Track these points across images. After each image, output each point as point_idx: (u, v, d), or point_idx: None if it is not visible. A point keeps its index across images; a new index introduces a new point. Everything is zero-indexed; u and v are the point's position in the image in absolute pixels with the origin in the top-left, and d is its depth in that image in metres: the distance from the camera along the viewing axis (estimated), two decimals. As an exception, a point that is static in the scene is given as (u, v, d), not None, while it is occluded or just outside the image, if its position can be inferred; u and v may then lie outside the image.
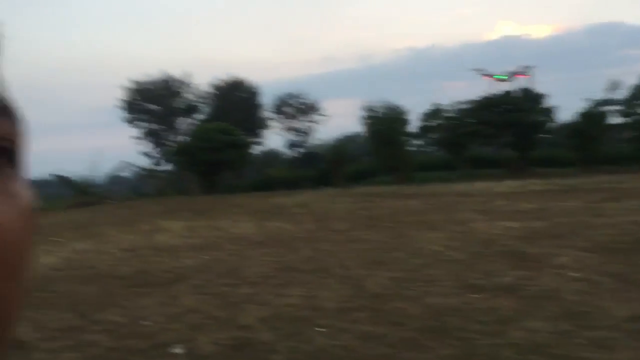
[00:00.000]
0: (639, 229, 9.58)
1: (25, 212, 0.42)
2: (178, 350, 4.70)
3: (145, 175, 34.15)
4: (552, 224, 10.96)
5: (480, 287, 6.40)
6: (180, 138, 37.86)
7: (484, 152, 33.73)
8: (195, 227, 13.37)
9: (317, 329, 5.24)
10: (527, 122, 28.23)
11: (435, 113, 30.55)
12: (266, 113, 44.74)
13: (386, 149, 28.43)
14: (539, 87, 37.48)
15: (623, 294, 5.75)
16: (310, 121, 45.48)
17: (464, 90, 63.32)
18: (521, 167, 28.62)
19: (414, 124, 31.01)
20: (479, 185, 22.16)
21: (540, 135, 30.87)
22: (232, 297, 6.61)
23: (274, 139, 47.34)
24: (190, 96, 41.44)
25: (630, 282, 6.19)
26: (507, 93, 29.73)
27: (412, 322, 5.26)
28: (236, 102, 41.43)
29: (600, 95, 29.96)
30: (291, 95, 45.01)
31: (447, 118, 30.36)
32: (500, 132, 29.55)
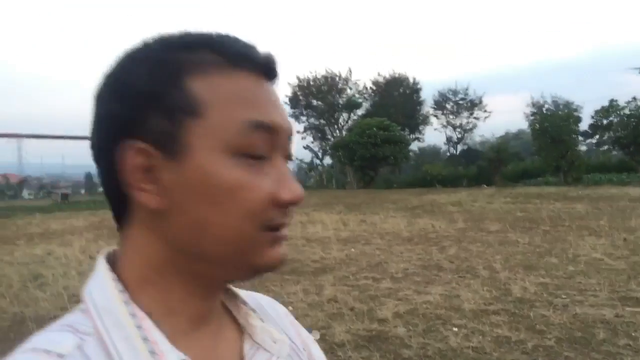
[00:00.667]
0: None
1: None
2: (313, 335, 4.97)
3: (306, 169, 35.63)
4: None
5: (638, 300, 5.89)
6: (340, 133, 38.94)
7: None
8: (347, 220, 13.77)
9: (452, 328, 5.22)
10: None
11: (610, 110, 28.08)
12: (427, 109, 44.42)
13: (553, 147, 26.75)
14: None
15: None
16: (472, 117, 44.26)
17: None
18: None
19: (586, 121, 28.89)
20: (659, 190, 20.04)
21: None
22: (373, 291, 6.77)
23: (434, 135, 46.76)
24: (351, 92, 42.43)
25: None
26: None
27: (554, 330, 5.02)
28: (396, 98, 41.60)
29: None
30: (453, 91, 44.14)
31: (625, 115, 27.75)
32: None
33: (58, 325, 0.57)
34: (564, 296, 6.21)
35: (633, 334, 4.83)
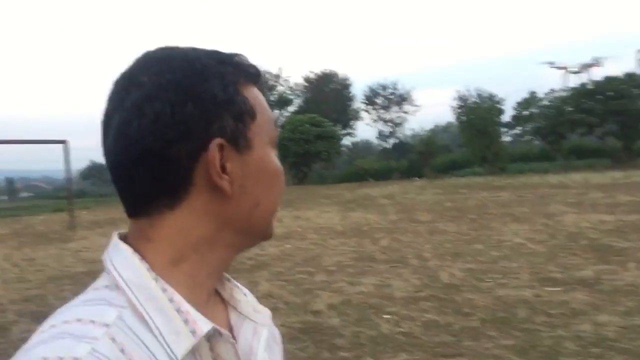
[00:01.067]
0: None
1: None
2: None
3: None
4: (648, 218, 10.39)
5: (556, 281, 6.28)
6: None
7: (585, 141, 32.13)
8: (281, 216, 13.82)
9: (384, 316, 5.40)
10: (632, 110, 26.52)
11: (530, 101, 29.42)
12: (358, 104, 45.03)
13: (478, 139, 27.76)
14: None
15: None
16: (402, 112, 45.23)
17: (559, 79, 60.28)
18: (625, 158, 27.00)
19: (509, 113, 30.14)
20: (576, 177, 21.18)
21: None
22: (308, 284, 6.89)
23: (366, 130, 47.47)
24: (282, 89, 42.47)
25: None
26: (610, 79, 28.05)
27: (479, 312, 5.29)
28: (327, 94, 41.97)
29: None
30: (382, 86, 44.95)
31: (544, 107, 29.15)
32: (602, 120, 28.00)
33: (90, 301, 0.64)
34: (488, 280, 6.53)
35: (550, 312, 5.16)
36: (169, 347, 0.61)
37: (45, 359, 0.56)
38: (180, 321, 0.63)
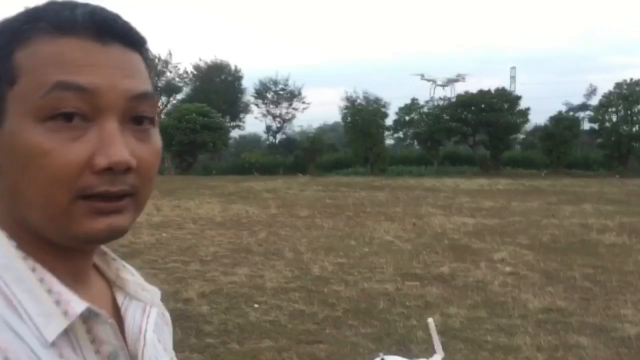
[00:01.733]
0: (582, 231, 10.03)
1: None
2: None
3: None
4: (505, 222, 11.38)
5: (416, 276, 6.76)
6: (158, 117, 37.78)
7: (459, 149, 34.33)
8: (161, 205, 13.56)
9: (254, 305, 5.55)
10: (501, 123, 28.72)
11: (412, 107, 30.93)
12: (247, 97, 44.89)
13: (362, 140, 28.75)
14: (519, 89, 38.91)
15: (544, 288, 6.14)
16: (291, 108, 45.67)
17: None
18: (493, 166, 29.18)
19: (392, 117, 31.48)
20: (448, 182, 22.62)
21: (514, 136, 31.50)
22: (181, 273, 6.89)
23: (255, 123, 47.37)
24: (170, 75, 41.38)
25: (555, 278, 6.60)
26: (483, 93, 30.18)
27: (343, 303, 5.59)
28: (217, 85, 41.46)
29: (579, 100, 30.93)
30: (274, 81, 45.13)
31: (424, 114, 30.77)
32: (474, 130, 30.06)
33: None
34: (356, 274, 6.89)
35: (407, 304, 5.58)
36: (37, 330, 0.56)
37: None
38: (52, 302, 0.57)
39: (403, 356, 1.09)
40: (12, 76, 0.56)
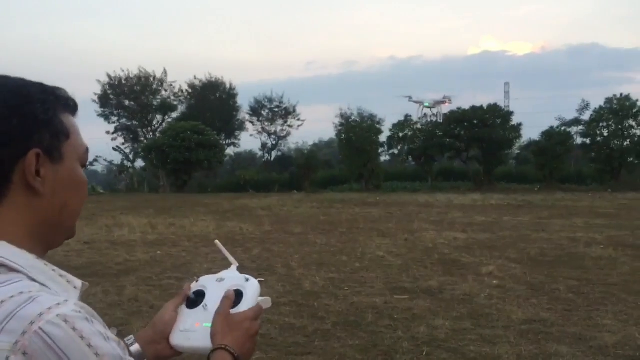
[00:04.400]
0: (570, 244, 10.22)
1: None
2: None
3: (116, 171, 34.22)
4: (495, 237, 11.56)
5: (405, 290, 6.92)
6: (153, 135, 37.97)
7: (452, 165, 34.58)
8: (156, 223, 13.72)
9: (245, 320, 5.68)
10: (493, 138, 29.01)
11: (406, 124, 31.21)
12: (243, 115, 45.14)
13: (357, 157, 28.97)
14: (513, 104, 39.41)
15: (529, 300, 6.31)
16: (287, 125, 45.93)
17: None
18: (486, 182, 29.41)
19: (387, 133, 31.71)
20: (441, 197, 22.81)
21: (507, 151, 31.76)
22: (175, 290, 6.98)
23: (250, 141, 47.56)
24: (166, 94, 41.62)
25: (540, 290, 6.76)
26: (476, 109, 30.50)
27: (333, 317, 5.74)
28: (212, 102, 41.71)
29: (572, 115, 31.30)
30: (268, 99, 45.42)
31: (417, 130, 31.05)
32: (467, 146, 30.33)
33: (4, 284, 0.78)
34: (346, 288, 7.05)
35: (395, 317, 5.74)
36: None
37: (41, 313, 0.73)
38: (65, 282, 0.85)
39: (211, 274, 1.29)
40: (67, 133, 0.90)
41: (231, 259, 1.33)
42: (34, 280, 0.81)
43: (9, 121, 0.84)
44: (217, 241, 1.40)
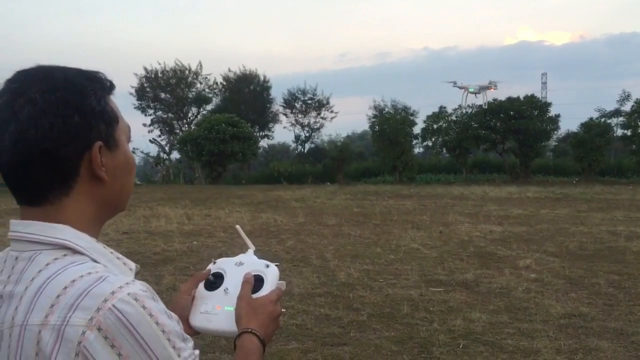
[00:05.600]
0: (610, 238, 9.99)
1: None
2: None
3: (153, 163, 34.77)
4: (532, 230, 11.37)
5: (440, 282, 6.88)
6: (189, 127, 38.43)
7: (488, 157, 34.07)
8: (192, 214, 13.91)
9: (282, 309, 5.73)
10: (530, 130, 28.47)
11: (440, 116, 30.87)
12: (276, 107, 45.31)
13: (390, 149, 28.81)
14: (550, 95, 38.56)
15: (568, 294, 6.20)
16: (320, 117, 45.93)
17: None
18: (522, 174, 28.92)
19: (421, 125, 31.42)
20: (477, 190, 22.53)
21: (544, 143, 31.15)
22: (211, 279, 7.12)
23: (284, 133, 47.74)
24: (201, 86, 42.04)
25: (579, 284, 6.64)
26: (512, 100, 29.95)
27: (368, 308, 5.75)
28: (246, 95, 41.97)
29: (612, 106, 30.46)
30: (302, 91, 45.46)
31: (452, 121, 30.68)
32: (503, 138, 29.85)
33: (72, 264, 0.85)
34: (381, 280, 7.04)
35: (431, 309, 5.71)
36: None
37: (113, 292, 0.79)
38: (122, 264, 0.92)
39: (229, 257, 1.31)
40: (117, 118, 0.95)
41: (249, 243, 1.36)
42: (96, 261, 0.87)
43: (72, 119, 0.87)
44: (237, 226, 1.42)
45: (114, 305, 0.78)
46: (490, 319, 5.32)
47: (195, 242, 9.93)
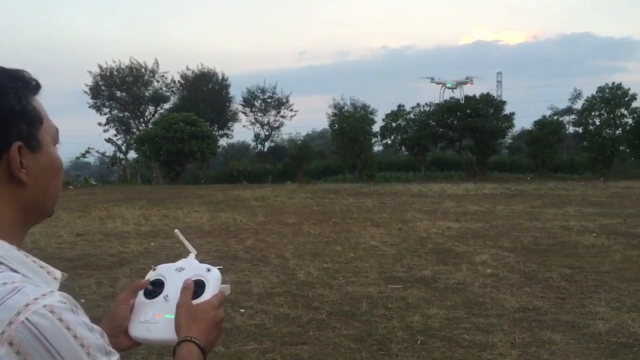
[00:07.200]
0: (562, 232, 10.26)
1: None
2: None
3: (109, 163, 34.07)
4: (488, 226, 11.59)
5: (399, 279, 6.94)
6: (146, 127, 37.77)
7: (445, 154, 34.61)
8: (149, 215, 13.68)
9: (240, 310, 5.69)
10: (486, 127, 29.03)
11: (399, 114, 31.18)
12: (235, 105, 44.95)
13: (350, 147, 28.93)
14: (505, 93, 39.43)
15: (522, 288, 6.34)
16: (280, 116, 45.78)
17: (434, 91, 64.47)
18: (479, 171, 29.48)
19: (380, 123, 31.66)
20: (435, 187, 22.82)
21: (500, 140, 31.81)
22: (169, 281, 7.01)
23: (243, 132, 47.40)
24: (158, 85, 41.37)
25: (533, 279, 6.80)
26: (469, 99, 30.51)
27: (327, 306, 5.75)
28: (205, 93, 41.52)
29: (564, 104, 31.33)
30: (261, 89, 45.23)
31: (410, 120, 31.02)
32: (461, 135, 30.35)
33: (0, 280, 0.80)
34: (340, 278, 7.05)
35: (389, 306, 5.75)
36: None
37: (27, 304, 0.75)
38: (46, 273, 0.87)
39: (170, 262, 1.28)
40: (41, 119, 0.90)
41: (190, 247, 1.32)
42: (15, 271, 0.82)
43: None
44: (176, 230, 1.39)
45: (27, 319, 0.74)
46: (447, 314, 5.39)
47: (152, 243, 9.76)
